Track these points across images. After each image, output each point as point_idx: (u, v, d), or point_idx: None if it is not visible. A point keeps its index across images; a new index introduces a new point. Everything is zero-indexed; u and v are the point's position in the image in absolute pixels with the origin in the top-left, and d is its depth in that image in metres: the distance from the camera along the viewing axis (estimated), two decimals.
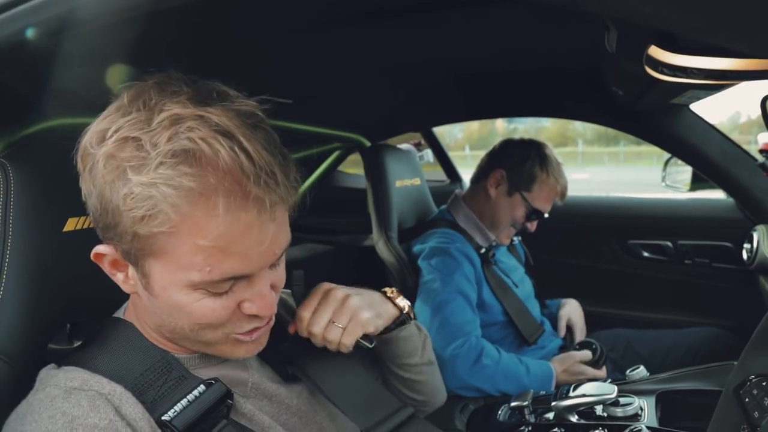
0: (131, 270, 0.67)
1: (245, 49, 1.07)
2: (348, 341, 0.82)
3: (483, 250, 1.68)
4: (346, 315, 0.82)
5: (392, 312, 0.90)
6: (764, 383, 0.66)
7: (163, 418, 0.66)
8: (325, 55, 1.29)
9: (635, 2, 0.28)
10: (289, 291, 0.95)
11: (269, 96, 1.49)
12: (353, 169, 2.64)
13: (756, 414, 0.65)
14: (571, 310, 1.86)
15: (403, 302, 0.93)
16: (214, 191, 0.58)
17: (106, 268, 0.69)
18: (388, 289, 0.93)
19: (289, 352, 0.85)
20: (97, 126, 0.62)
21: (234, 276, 0.64)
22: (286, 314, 0.92)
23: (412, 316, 0.94)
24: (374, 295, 0.90)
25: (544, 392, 1.38)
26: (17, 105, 0.87)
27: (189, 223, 0.59)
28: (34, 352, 0.73)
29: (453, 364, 1.42)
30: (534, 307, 1.80)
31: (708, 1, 0.26)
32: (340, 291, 0.84)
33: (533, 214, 1.69)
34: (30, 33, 0.59)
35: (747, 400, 0.68)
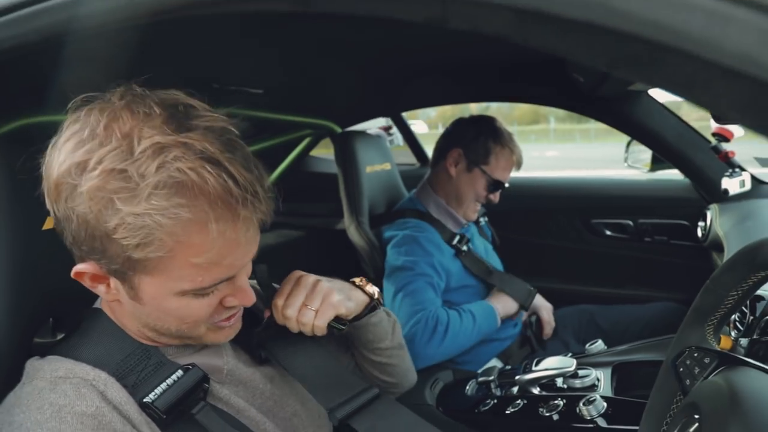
0: (114, 282, 0.70)
1: (214, 42, 1.09)
2: (321, 322, 0.84)
3: (456, 240, 1.73)
4: (318, 298, 0.85)
5: (362, 298, 0.94)
6: (695, 354, 0.73)
7: (144, 400, 0.70)
8: (294, 46, 1.32)
9: (552, 42, 0.33)
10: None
11: (240, 86, 1.50)
12: (323, 149, 2.65)
13: (688, 382, 0.72)
14: (541, 304, 1.92)
15: (372, 289, 0.97)
16: (208, 218, 0.62)
17: (86, 282, 0.71)
18: (356, 279, 0.97)
19: (261, 337, 0.88)
20: (72, 155, 0.62)
21: (222, 280, 0.70)
22: (258, 301, 0.96)
23: (381, 301, 0.99)
24: (344, 283, 0.93)
25: (509, 367, 1.45)
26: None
27: (184, 247, 0.64)
28: (19, 346, 0.77)
29: (411, 341, 1.48)
30: None
31: (609, 47, 0.31)
32: (311, 277, 0.88)
33: (494, 185, 1.75)
34: (12, 43, 0.62)
35: (681, 369, 0.75)
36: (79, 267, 0.69)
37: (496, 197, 1.78)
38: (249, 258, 0.72)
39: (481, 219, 1.98)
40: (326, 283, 0.88)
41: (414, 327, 1.50)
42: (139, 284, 0.68)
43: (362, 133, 1.99)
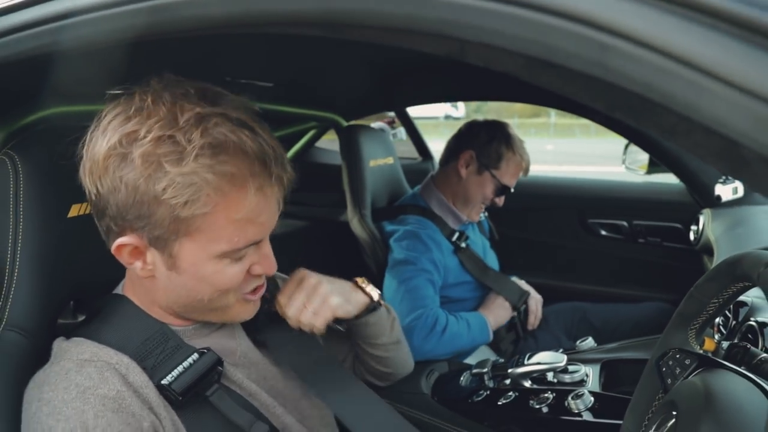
0: (151, 255, 0.75)
1: (229, 41, 1.12)
2: (319, 323, 0.90)
3: (456, 237, 1.78)
4: (318, 300, 0.90)
5: (362, 300, 0.99)
6: (678, 356, 0.79)
7: (162, 382, 0.75)
8: (306, 45, 1.35)
9: (557, 84, 0.38)
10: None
11: (250, 80, 1.54)
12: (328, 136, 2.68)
13: (669, 381, 0.78)
14: (531, 294, 1.97)
15: (373, 290, 1.01)
16: (246, 174, 0.70)
17: (124, 258, 0.75)
18: (358, 279, 1.01)
19: (262, 322, 0.93)
20: (121, 129, 0.68)
21: (254, 241, 0.76)
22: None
23: (381, 302, 1.03)
24: (345, 285, 0.98)
25: (502, 360, 1.51)
26: (17, 95, 0.93)
27: (226, 202, 0.70)
28: (47, 326, 0.82)
29: (410, 334, 1.53)
30: None
31: (607, 95, 0.36)
32: (313, 278, 0.92)
33: (501, 190, 1.80)
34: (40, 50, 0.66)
35: (664, 369, 0.80)
36: (121, 240, 0.73)
37: (501, 201, 1.84)
38: (274, 222, 0.78)
39: (481, 214, 2.02)
40: (327, 286, 0.92)
41: (414, 321, 1.55)
42: (180, 251, 0.73)
43: (367, 127, 2.03)
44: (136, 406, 0.72)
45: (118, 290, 0.86)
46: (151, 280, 0.79)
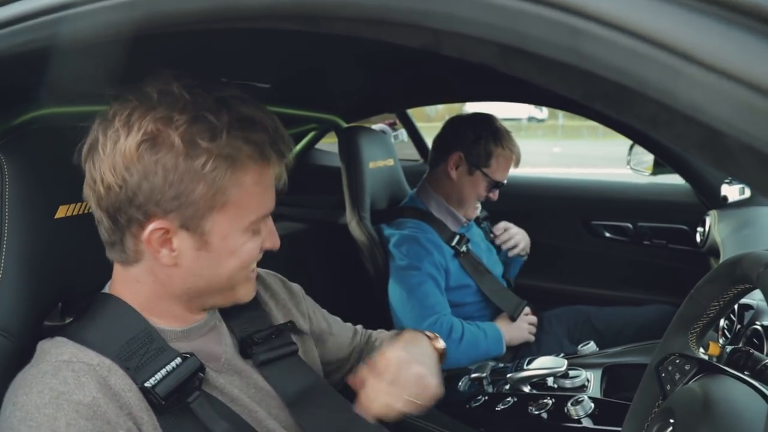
0: (178, 241, 0.76)
1: (222, 40, 1.11)
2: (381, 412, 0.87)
3: (456, 241, 1.75)
4: (397, 401, 0.87)
5: (434, 360, 0.98)
6: (677, 361, 0.76)
7: (145, 384, 0.73)
8: (302, 43, 1.34)
9: (533, 73, 0.36)
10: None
11: (247, 81, 1.53)
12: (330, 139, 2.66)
13: (668, 387, 0.76)
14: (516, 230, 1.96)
15: (441, 345, 1.02)
16: (268, 144, 0.76)
17: (153, 246, 0.75)
18: (430, 334, 1.02)
19: (259, 339, 0.91)
20: (151, 118, 0.71)
21: (269, 211, 0.82)
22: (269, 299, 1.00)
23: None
24: (425, 356, 0.95)
25: (501, 365, 1.49)
26: (10, 94, 0.92)
27: (254, 171, 0.77)
28: (32, 328, 0.80)
29: None
30: None
31: (583, 84, 0.34)
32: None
33: (494, 185, 1.77)
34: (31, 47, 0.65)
35: (663, 375, 0.78)
36: (158, 224, 0.74)
37: (495, 195, 1.81)
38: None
39: (484, 222, 2.00)
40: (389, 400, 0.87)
41: (430, 328, 1.53)
42: (212, 227, 0.76)
43: (366, 129, 2.01)
44: (112, 413, 0.70)
45: (106, 290, 0.85)
46: (169, 271, 0.78)
